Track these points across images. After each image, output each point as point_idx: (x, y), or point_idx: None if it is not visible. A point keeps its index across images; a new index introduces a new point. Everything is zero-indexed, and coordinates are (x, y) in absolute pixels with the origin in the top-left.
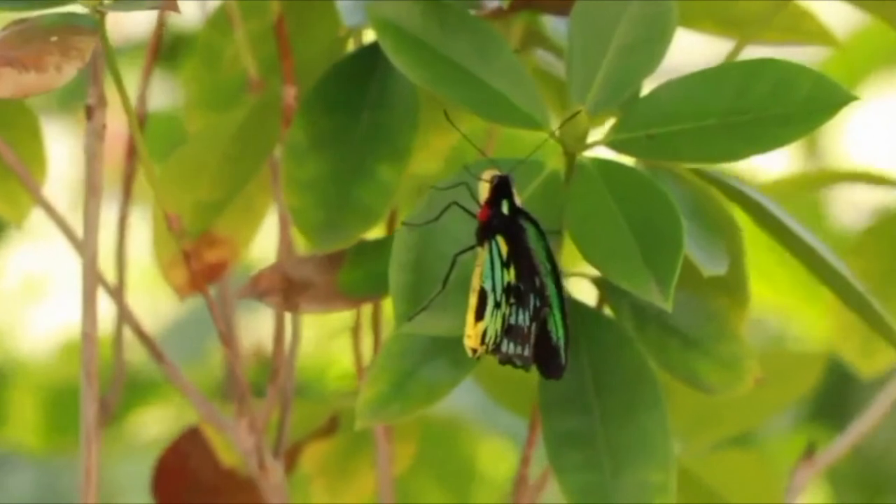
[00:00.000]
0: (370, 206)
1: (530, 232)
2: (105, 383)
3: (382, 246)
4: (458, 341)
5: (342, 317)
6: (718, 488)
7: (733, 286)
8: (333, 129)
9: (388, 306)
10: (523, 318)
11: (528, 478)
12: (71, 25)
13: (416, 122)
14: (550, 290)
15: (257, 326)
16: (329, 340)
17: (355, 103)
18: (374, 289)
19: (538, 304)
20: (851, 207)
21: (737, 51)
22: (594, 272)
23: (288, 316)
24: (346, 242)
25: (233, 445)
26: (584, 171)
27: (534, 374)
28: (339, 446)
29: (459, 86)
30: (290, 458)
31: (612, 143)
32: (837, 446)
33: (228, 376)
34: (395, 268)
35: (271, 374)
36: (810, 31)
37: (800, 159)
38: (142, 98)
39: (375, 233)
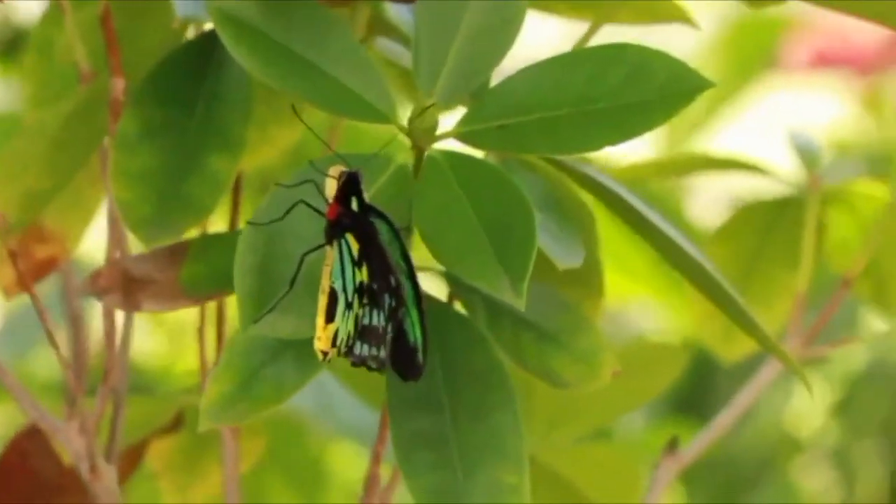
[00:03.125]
0: (201, 200)
1: (382, 230)
2: None
3: (225, 241)
4: (306, 340)
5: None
6: (578, 484)
7: (587, 277)
8: (165, 121)
9: (232, 302)
10: (378, 319)
11: (379, 477)
12: None
13: (249, 113)
14: (407, 289)
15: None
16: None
17: (189, 94)
18: (218, 285)
19: (394, 303)
20: (710, 204)
21: (591, 33)
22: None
23: (119, 313)
24: (174, 237)
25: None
26: (433, 165)
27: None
28: (186, 443)
29: (302, 78)
30: (135, 456)
31: (461, 135)
32: (701, 440)
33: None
34: (240, 270)
35: (104, 374)
36: (667, 11)
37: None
38: None
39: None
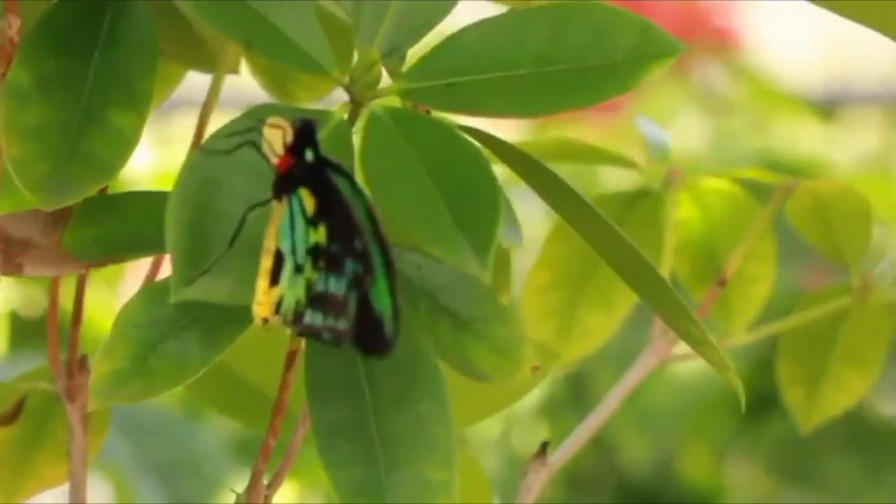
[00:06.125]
0: (104, 158)
1: (343, 187)
2: None
3: (115, 203)
4: (213, 312)
5: None
6: None
7: (498, 264)
8: (62, 70)
9: (94, 275)
10: (337, 286)
11: (262, 474)
12: None
13: (154, 63)
14: (374, 253)
15: None
16: None
17: (86, 41)
18: (107, 250)
19: (360, 270)
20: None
21: None
22: None
23: None
24: (76, 198)
25: None
26: (378, 122)
27: (253, 374)
28: (17, 436)
29: (240, 23)
30: None
31: (406, 91)
32: (570, 445)
33: None
34: (172, 224)
35: None
36: None
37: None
38: None
39: None
